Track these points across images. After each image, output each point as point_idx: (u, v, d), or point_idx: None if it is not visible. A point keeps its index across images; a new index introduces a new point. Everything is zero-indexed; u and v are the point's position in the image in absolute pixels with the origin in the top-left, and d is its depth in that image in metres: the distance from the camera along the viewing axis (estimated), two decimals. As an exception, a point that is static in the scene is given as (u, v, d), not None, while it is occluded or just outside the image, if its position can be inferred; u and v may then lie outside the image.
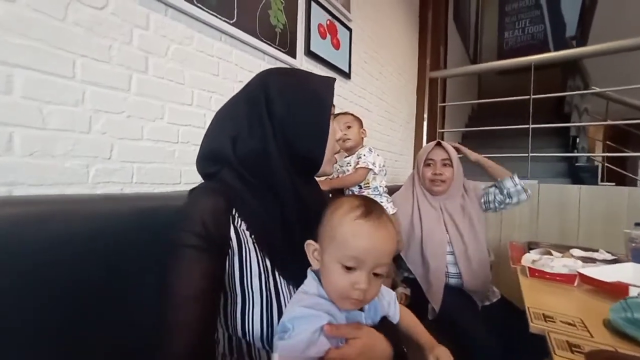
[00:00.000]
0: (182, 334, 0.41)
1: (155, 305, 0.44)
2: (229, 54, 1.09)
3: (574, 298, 0.91)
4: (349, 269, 0.45)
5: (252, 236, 0.50)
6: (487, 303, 1.28)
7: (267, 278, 0.49)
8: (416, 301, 1.27)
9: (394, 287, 1.30)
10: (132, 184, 0.83)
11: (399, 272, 1.38)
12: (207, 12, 0.98)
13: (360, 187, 1.32)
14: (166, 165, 0.91)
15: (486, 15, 6.00)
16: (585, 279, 0.93)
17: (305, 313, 0.44)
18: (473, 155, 1.43)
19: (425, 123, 2.72)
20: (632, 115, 2.77)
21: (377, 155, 1.35)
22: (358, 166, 1.29)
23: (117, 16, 0.80)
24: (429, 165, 1.34)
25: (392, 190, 1.65)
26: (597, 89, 2.77)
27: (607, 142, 3.27)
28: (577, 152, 2.85)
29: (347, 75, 1.72)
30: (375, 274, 0.47)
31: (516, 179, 1.33)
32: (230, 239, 0.48)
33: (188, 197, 0.50)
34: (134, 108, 0.84)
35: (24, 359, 0.50)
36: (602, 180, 2.82)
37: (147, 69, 0.86)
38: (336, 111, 1.50)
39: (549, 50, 5.45)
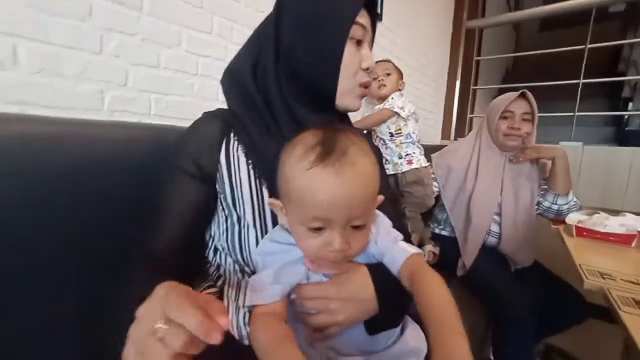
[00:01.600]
0: (156, 239, 0.45)
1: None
2: (250, -23, 0.96)
3: (631, 258, 0.82)
4: (317, 229, 0.36)
5: (249, 162, 0.48)
6: (520, 267, 1.20)
7: (260, 207, 0.47)
8: (446, 259, 1.21)
9: (421, 244, 1.25)
10: (150, 115, 0.78)
11: (427, 229, 1.31)
12: None
13: (392, 135, 1.23)
14: (185, 98, 0.85)
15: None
16: (646, 239, 0.83)
17: (276, 249, 0.40)
18: (549, 151, 1.14)
19: (458, 79, 2.49)
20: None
21: (409, 101, 1.25)
22: (383, 107, 1.20)
23: None
24: (505, 117, 1.18)
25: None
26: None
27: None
28: (630, 116, 2.57)
29: (378, 17, 1.54)
30: (355, 227, 0.37)
31: (572, 197, 1.15)
32: (219, 169, 0.48)
33: (194, 121, 0.52)
34: (148, 30, 0.76)
35: (44, 276, 0.48)
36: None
37: (161, -14, 0.77)
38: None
39: None
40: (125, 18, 0.72)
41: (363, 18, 0.48)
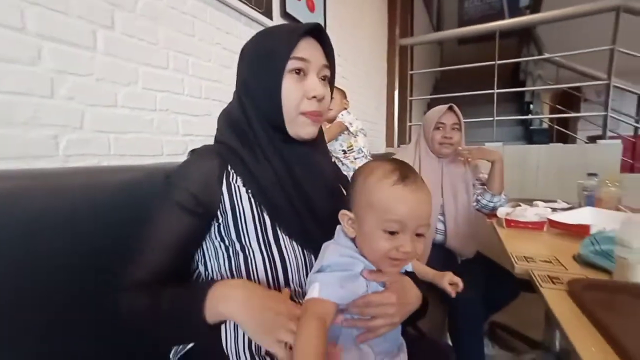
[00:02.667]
0: (141, 269, 0.46)
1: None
2: (203, 12, 0.98)
3: (545, 241, 1.01)
4: (392, 233, 0.45)
5: (249, 191, 0.50)
6: (465, 258, 1.38)
7: (265, 234, 0.50)
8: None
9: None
10: (109, 155, 0.76)
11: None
12: (175, -40, 0.87)
13: (345, 152, 1.32)
14: (145, 135, 0.84)
15: (447, -17, 6.03)
16: (554, 224, 1.04)
17: (342, 261, 0.45)
18: (492, 154, 1.35)
19: (396, 91, 2.75)
20: (577, 81, 3.02)
21: (356, 118, 1.36)
22: (335, 121, 1.31)
23: (70, -41, 0.68)
24: (438, 128, 1.36)
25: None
26: (548, 55, 2.96)
27: (557, 106, 3.57)
28: (531, 116, 3.07)
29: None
30: (418, 235, 0.46)
31: (503, 195, 1.38)
32: (222, 201, 0.50)
33: (189, 156, 0.54)
34: (103, 70, 0.74)
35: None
36: (551, 141, 3.10)
37: (114, 25, 0.76)
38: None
39: (504, 20, 5.69)
40: (79, 59, 0.70)
41: (304, 51, 0.51)
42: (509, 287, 1.30)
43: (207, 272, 0.54)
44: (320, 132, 0.61)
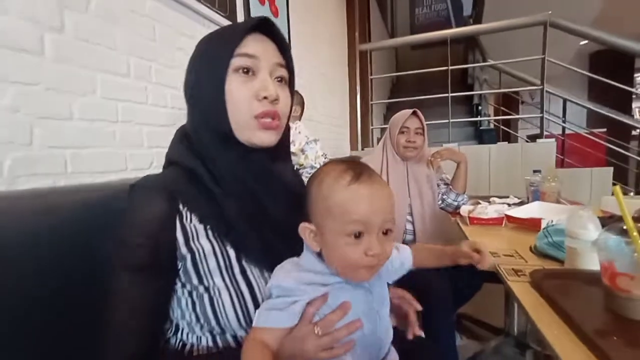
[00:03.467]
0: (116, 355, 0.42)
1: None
2: (164, 15, 0.93)
3: (504, 235, 1.10)
4: (357, 236, 0.42)
5: (207, 227, 0.45)
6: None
7: (230, 270, 0.45)
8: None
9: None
10: (66, 174, 0.68)
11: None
12: (133, -40, 0.80)
13: (298, 169, 1.26)
14: (107, 149, 0.76)
15: (399, -9, 6.34)
16: (511, 219, 1.14)
17: (285, 286, 0.43)
18: (459, 156, 1.47)
19: (358, 96, 2.83)
20: (516, 85, 3.36)
21: (299, 132, 1.26)
22: None
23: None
24: (403, 132, 1.41)
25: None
26: (493, 62, 3.25)
27: (502, 108, 3.93)
28: (480, 117, 3.35)
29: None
30: (385, 232, 0.43)
31: (465, 195, 1.50)
32: (177, 247, 0.44)
33: (128, 199, 0.45)
34: (53, 78, 0.66)
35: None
36: (498, 140, 3.40)
37: (64, 27, 0.68)
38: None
39: (451, 27, 6.13)
40: (23, 64, 0.62)
41: (251, 47, 0.45)
42: (474, 280, 1.40)
43: (170, 321, 0.49)
44: (283, 136, 0.53)
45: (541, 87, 2.26)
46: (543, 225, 1.04)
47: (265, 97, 0.46)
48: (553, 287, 0.65)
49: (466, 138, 3.33)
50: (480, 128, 3.24)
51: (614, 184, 2.15)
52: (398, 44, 3.25)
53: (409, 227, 1.40)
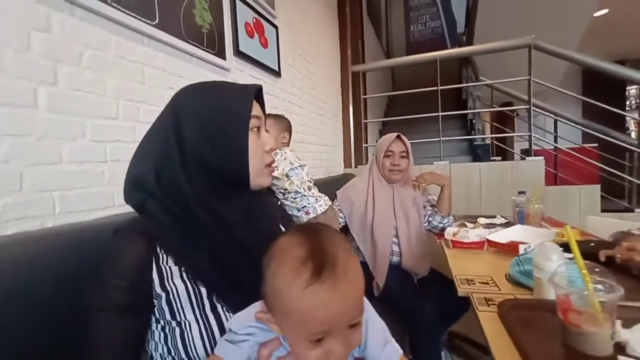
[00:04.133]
0: None
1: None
2: (154, 59, 0.99)
3: (485, 260, 1.13)
4: (317, 341, 0.37)
5: (182, 269, 0.49)
6: (420, 276, 1.48)
7: (201, 306, 0.48)
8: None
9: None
10: (54, 215, 0.73)
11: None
12: (124, 12, 0.87)
13: (283, 194, 1.27)
14: (95, 188, 0.81)
15: (394, 9, 6.52)
16: (491, 244, 1.17)
17: (243, 327, 0.42)
18: (443, 179, 1.48)
19: (351, 115, 2.89)
20: (510, 100, 3.42)
21: (284, 159, 1.27)
22: None
23: (5, 14, 0.66)
24: (388, 156, 1.46)
25: (327, 183, 1.74)
26: (484, 79, 3.32)
27: (494, 123, 3.98)
28: (474, 133, 3.40)
29: (277, 74, 1.72)
30: (352, 326, 0.39)
31: (451, 217, 1.51)
32: (153, 287, 0.48)
33: (112, 242, 0.49)
34: (45, 127, 0.72)
35: None
36: (492, 155, 3.44)
37: (57, 80, 0.74)
38: (269, 111, 1.51)
39: (446, 43, 6.27)
40: (17, 118, 0.67)
41: (255, 109, 0.55)
42: (462, 300, 1.41)
43: (145, 352, 0.52)
44: None
45: (528, 106, 2.31)
46: (521, 250, 1.07)
47: (270, 150, 0.57)
48: (517, 318, 0.68)
49: (460, 153, 3.37)
50: (474, 143, 3.28)
51: (606, 200, 2.16)
52: (389, 65, 3.36)
53: (395, 248, 1.43)
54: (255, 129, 0.55)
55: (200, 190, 0.51)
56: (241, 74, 1.42)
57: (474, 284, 0.93)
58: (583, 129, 2.60)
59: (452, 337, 1.71)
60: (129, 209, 0.52)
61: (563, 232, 1.24)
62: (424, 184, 1.48)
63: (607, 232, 1.10)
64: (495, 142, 3.56)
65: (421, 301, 1.29)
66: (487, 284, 0.92)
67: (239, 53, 1.39)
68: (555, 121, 3.00)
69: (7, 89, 0.66)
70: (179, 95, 0.55)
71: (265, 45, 1.60)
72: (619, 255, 0.87)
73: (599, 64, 2.15)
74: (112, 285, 0.45)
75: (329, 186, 1.61)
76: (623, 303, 0.54)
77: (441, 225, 1.49)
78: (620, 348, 0.53)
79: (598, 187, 1.96)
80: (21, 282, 0.51)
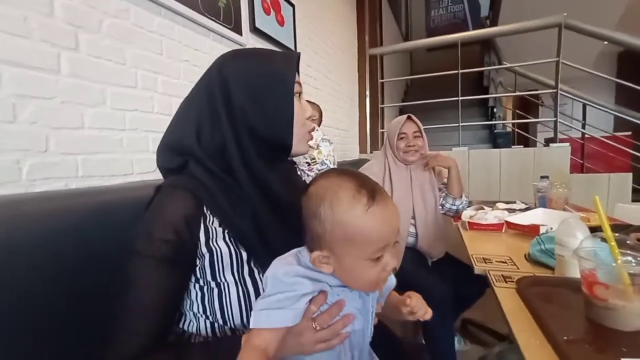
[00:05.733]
0: (130, 341, 0.44)
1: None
2: (171, 30, 1.00)
3: (503, 241, 1.09)
4: (377, 258, 0.42)
5: (225, 230, 0.49)
6: (435, 259, 1.46)
7: (240, 269, 0.49)
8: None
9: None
10: (77, 178, 0.75)
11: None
12: (141, -19, 0.88)
13: (309, 164, 1.33)
14: (115, 155, 0.83)
15: (414, -7, 6.29)
16: (510, 225, 1.13)
17: (285, 281, 0.42)
18: (448, 161, 1.43)
19: (367, 99, 2.84)
20: (534, 87, 3.26)
21: (316, 129, 1.37)
22: None
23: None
24: (402, 138, 1.43)
25: (342, 166, 1.72)
26: (508, 64, 3.17)
27: (517, 111, 3.82)
28: (495, 120, 3.27)
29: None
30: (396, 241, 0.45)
31: (464, 198, 1.47)
32: (199, 246, 0.48)
33: (155, 197, 0.49)
34: (68, 92, 0.74)
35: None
36: (514, 144, 3.31)
37: (79, 46, 0.76)
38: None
39: (468, 28, 6.02)
40: (42, 82, 0.69)
41: (297, 76, 0.55)
42: (477, 285, 1.38)
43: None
44: None
45: (555, 90, 2.19)
46: (542, 232, 1.03)
47: (309, 117, 0.57)
48: (537, 294, 0.66)
49: (480, 141, 3.26)
50: (495, 131, 3.17)
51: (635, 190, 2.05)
52: (408, 48, 3.24)
53: (412, 229, 1.41)
54: (297, 95, 0.55)
55: (248, 152, 0.51)
56: (257, 51, 1.41)
57: (491, 262, 0.90)
58: (615, 113, 2.44)
59: (466, 323, 1.69)
60: (148, 177, 0.52)
61: (588, 216, 1.19)
62: (428, 167, 1.45)
63: (638, 221, 1.04)
64: (517, 130, 3.41)
65: (435, 283, 1.27)
66: (505, 262, 0.89)
67: (255, 29, 1.38)
68: (584, 106, 2.83)
69: (32, 53, 0.67)
70: (226, 59, 0.54)
71: (281, 23, 1.58)
72: (650, 237, 0.83)
73: (638, 43, 2.00)
74: (160, 238, 0.45)
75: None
76: None
77: (455, 208, 1.45)
78: (648, 323, 0.51)
79: (629, 175, 1.85)
80: (46, 234, 0.53)
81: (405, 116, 1.44)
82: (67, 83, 0.73)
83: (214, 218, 0.49)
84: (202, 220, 0.49)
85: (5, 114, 0.64)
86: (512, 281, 0.75)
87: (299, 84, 0.55)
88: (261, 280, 0.50)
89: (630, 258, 0.53)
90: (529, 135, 3.19)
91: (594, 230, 1.07)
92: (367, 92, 2.84)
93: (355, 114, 2.80)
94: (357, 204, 0.41)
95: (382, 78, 3.17)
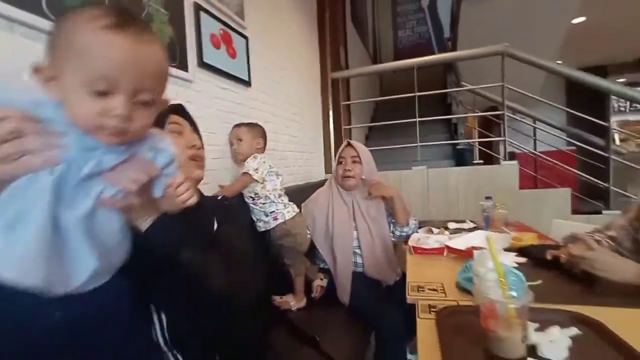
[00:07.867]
0: None
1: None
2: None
3: (443, 266, 1.13)
4: (100, 94, 0.36)
5: None
6: (390, 283, 1.48)
7: None
8: (333, 289, 1.40)
9: (309, 281, 1.41)
10: None
11: (315, 266, 1.50)
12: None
13: (253, 199, 1.31)
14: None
15: (381, 16, 6.61)
16: (450, 249, 1.18)
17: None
18: (388, 191, 1.45)
19: (331, 121, 2.91)
20: (493, 105, 3.45)
21: (264, 162, 1.32)
22: (242, 173, 1.30)
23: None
24: (340, 163, 1.47)
25: (304, 189, 1.74)
26: (467, 85, 3.36)
27: (477, 128, 4.02)
28: (457, 137, 3.43)
29: (247, 83, 1.73)
30: (143, 103, 0.39)
31: (412, 223, 1.48)
32: None
33: None
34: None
35: None
36: (476, 159, 3.47)
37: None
38: (239, 120, 1.52)
39: (433, 48, 6.35)
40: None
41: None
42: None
43: None
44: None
45: (502, 112, 2.34)
46: (475, 257, 1.08)
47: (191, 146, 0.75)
48: (453, 325, 0.69)
49: (443, 157, 3.39)
50: (457, 147, 3.31)
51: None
52: (368, 73, 3.41)
53: (358, 260, 1.43)
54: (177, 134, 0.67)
55: None
56: (206, 84, 1.43)
57: (423, 290, 0.94)
58: (556, 134, 2.62)
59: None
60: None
61: (521, 236, 1.26)
62: (368, 197, 1.48)
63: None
64: (480, 146, 3.59)
65: (386, 307, 1.29)
66: (436, 290, 0.92)
67: (203, 64, 1.40)
68: (534, 126, 3.04)
69: None
70: None
71: (233, 55, 1.62)
72: (563, 255, 0.92)
73: (565, 71, 2.19)
74: None
75: (308, 192, 1.61)
76: (538, 305, 0.57)
77: (404, 234, 1.49)
78: (533, 351, 0.56)
79: (568, 190, 1.98)
80: None
81: (345, 141, 1.49)
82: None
83: None
84: None
85: None
86: (436, 311, 0.78)
87: (177, 123, 0.68)
88: None
89: (514, 293, 0.57)
90: (491, 152, 3.35)
91: (523, 250, 1.14)
92: (331, 114, 2.91)
93: (320, 136, 2.86)
94: (95, 20, 0.35)
95: (349, 99, 3.27)
